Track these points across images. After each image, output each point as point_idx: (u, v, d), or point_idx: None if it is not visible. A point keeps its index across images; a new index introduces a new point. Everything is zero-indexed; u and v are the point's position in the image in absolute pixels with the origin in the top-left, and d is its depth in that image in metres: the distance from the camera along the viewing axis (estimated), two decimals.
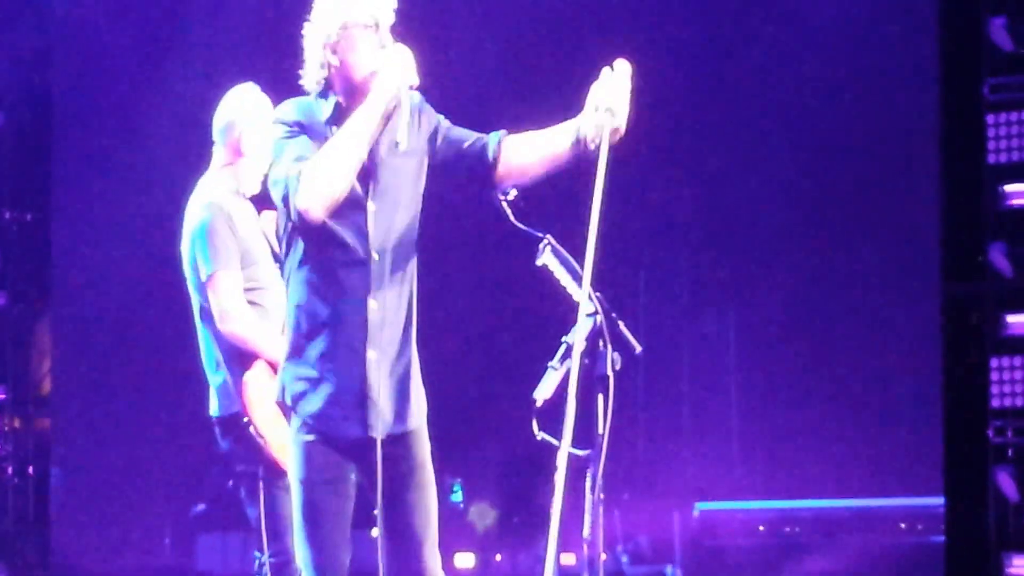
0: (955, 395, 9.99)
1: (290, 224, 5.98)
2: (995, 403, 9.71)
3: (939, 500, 9.81)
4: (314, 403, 5.95)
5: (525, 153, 6.17)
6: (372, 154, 6.03)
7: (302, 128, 6.02)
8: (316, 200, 5.82)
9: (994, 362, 9.73)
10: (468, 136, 6.27)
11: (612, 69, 6.04)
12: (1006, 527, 9.63)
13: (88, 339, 12.37)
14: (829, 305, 11.86)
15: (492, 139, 6.22)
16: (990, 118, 9.79)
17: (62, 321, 12.51)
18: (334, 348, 5.97)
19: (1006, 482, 9.66)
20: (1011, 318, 9.76)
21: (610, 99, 5.96)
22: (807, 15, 11.77)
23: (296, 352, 5.98)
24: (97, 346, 12.35)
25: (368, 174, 6.03)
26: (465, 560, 11.22)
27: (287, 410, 5.99)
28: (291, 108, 6.11)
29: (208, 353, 7.38)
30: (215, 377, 7.36)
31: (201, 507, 12.01)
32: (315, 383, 5.96)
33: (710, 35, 12.13)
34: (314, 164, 5.82)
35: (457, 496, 11.44)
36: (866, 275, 11.77)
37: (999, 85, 9.80)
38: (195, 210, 7.45)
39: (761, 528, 11.90)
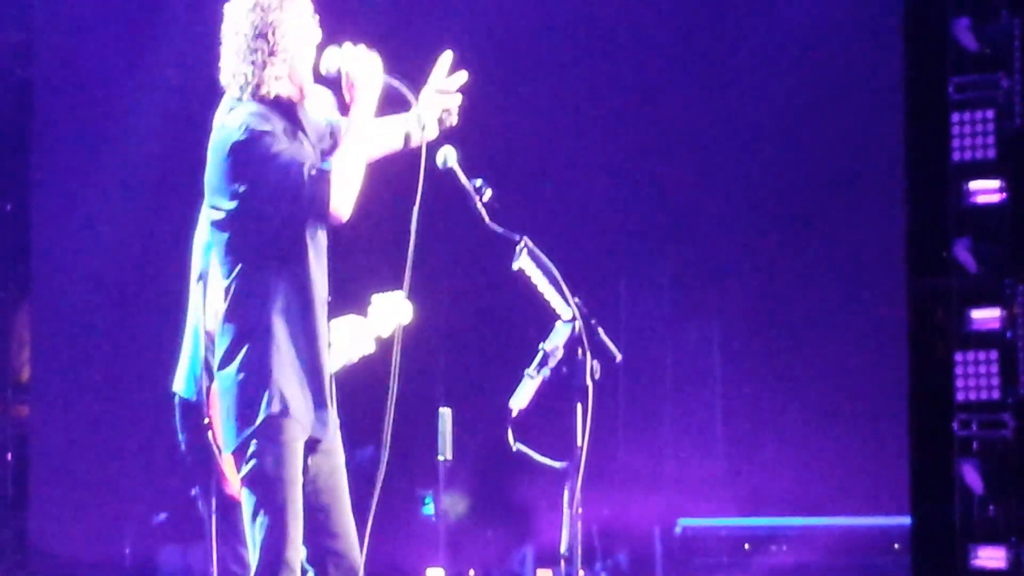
0: (921, 389, 9.75)
1: (275, 229, 5.53)
2: (960, 397, 9.47)
3: None
4: (305, 406, 5.60)
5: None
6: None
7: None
8: (349, 202, 5.51)
9: (959, 356, 9.49)
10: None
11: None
12: (971, 519, 9.40)
13: (68, 327, 11.96)
14: (814, 311, 11.50)
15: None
16: (955, 116, 9.57)
17: (42, 309, 12.08)
18: (314, 352, 5.62)
19: (971, 475, 9.39)
20: (976, 313, 9.52)
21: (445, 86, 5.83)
22: (773, 17, 11.45)
23: (282, 360, 5.57)
24: (76, 334, 11.94)
25: None
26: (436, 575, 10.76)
27: (277, 417, 5.52)
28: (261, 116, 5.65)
29: (196, 324, 6.66)
30: (190, 352, 6.64)
31: (163, 515, 11.61)
32: (303, 387, 5.59)
33: (685, 42, 11.76)
34: (341, 167, 5.51)
35: (428, 509, 11.06)
36: (838, 281, 11.43)
37: (964, 84, 9.59)
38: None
39: (746, 546, 11.43)
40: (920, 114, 9.78)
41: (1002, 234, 9.47)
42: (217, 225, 5.61)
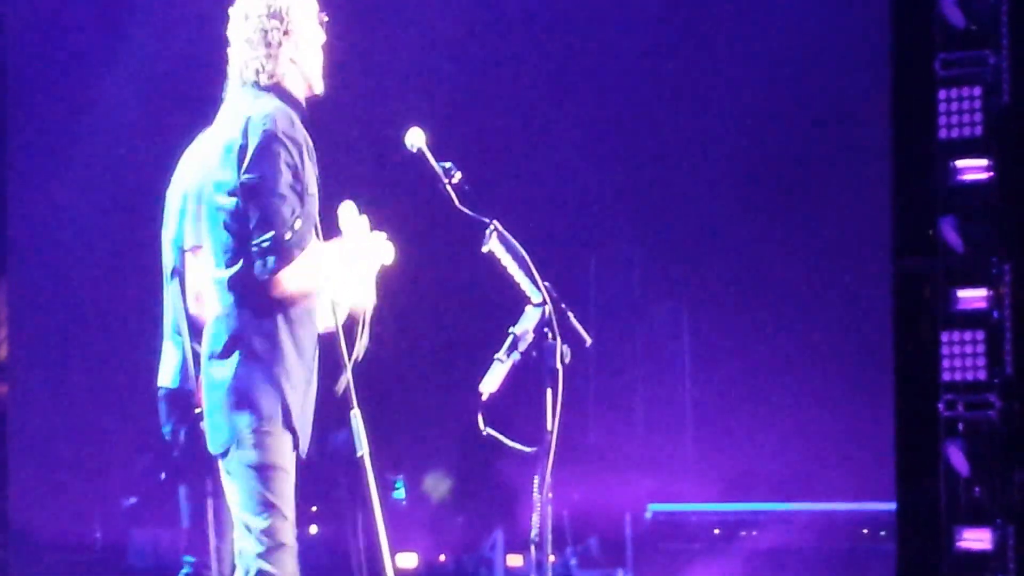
0: (906, 370, 9.73)
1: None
2: (946, 377, 9.46)
3: None
4: (303, 422, 5.70)
5: None
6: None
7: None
8: (289, 290, 5.57)
9: (945, 336, 9.48)
10: None
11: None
12: (957, 500, 9.39)
13: (45, 306, 11.96)
14: (786, 294, 11.49)
15: None
16: (941, 93, 9.55)
17: (18, 288, 12.04)
18: (308, 368, 5.71)
19: (956, 456, 9.39)
20: (962, 293, 9.51)
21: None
22: None
23: (284, 368, 5.65)
24: (54, 312, 11.95)
25: None
26: (408, 560, 10.73)
27: (276, 422, 5.60)
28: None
29: (174, 318, 6.64)
30: (173, 346, 6.63)
31: (133, 499, 11.63)
32: (302, 396, 5.70)
33: (660, 18, 11.71)
34: (304, 267, 5.60)
35: (399, 494, 11.05)
36: (821, 261, 11.41)
37: (950, 61, 9.57)
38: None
39: (716, 531, 11.50)
40: (906, 91, 9.75)
41: (989, 213, 9.46)
42: (220, 210, 5.63)
